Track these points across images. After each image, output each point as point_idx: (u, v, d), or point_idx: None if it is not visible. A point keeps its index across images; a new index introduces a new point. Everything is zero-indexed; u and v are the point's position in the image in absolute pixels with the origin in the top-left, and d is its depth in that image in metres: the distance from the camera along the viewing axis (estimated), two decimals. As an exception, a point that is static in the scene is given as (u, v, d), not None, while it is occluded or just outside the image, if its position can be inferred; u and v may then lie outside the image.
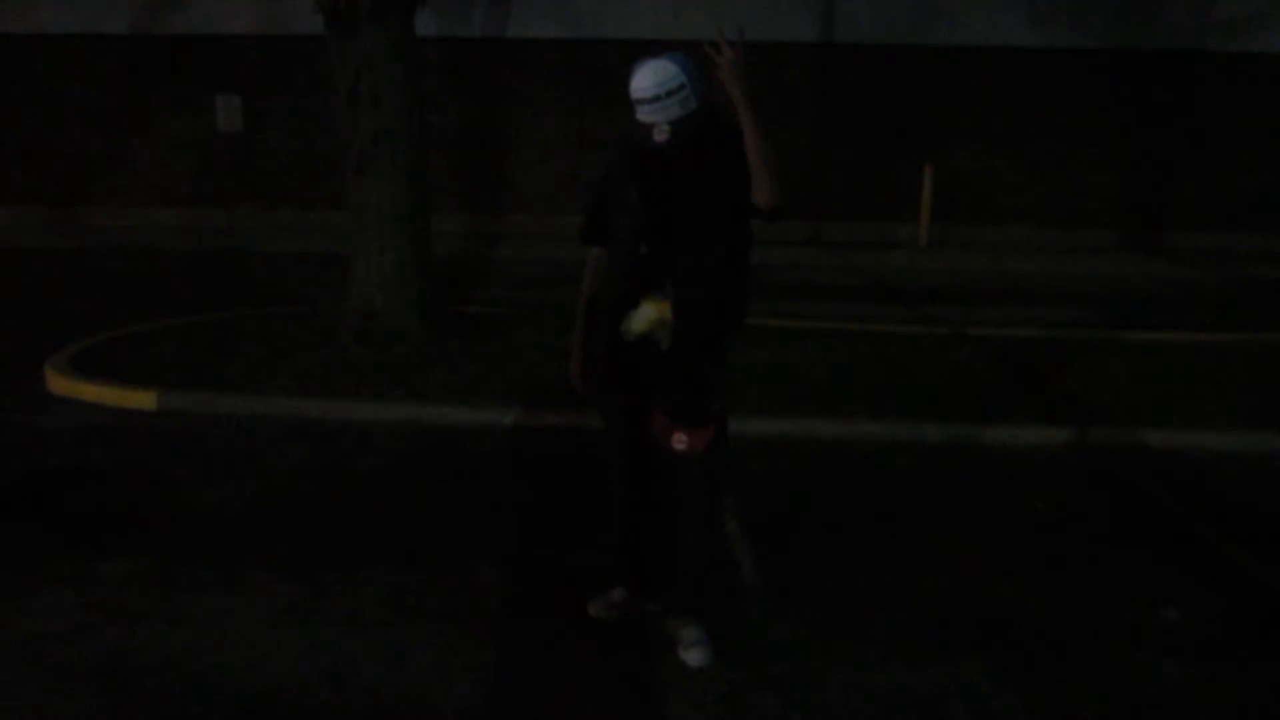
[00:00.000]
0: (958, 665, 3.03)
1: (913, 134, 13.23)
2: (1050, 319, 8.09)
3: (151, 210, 13.59)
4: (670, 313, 2.85)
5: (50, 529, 3.91)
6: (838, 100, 13.27)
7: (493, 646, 3.09)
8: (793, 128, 13.22)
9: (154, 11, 13.12)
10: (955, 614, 3.36)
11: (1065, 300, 9.24)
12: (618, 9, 12.78)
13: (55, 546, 3.72)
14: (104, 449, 4.84)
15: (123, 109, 13.41)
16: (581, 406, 4.01)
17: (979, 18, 12.83)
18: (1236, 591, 3.61)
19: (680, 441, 2.91)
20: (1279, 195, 13.16)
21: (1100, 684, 2.97)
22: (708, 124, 2.81)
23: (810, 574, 3.64)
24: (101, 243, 11.74)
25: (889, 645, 3.14)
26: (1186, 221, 13.29)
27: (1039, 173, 13.30)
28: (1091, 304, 9.07)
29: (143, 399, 5.47)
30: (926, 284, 10.05)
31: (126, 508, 4.13)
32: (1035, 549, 3.93)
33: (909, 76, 13.17)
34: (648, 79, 2.74)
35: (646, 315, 2.86)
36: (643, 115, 2.78)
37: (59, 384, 5.72)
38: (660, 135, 2.77)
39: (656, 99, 2.74)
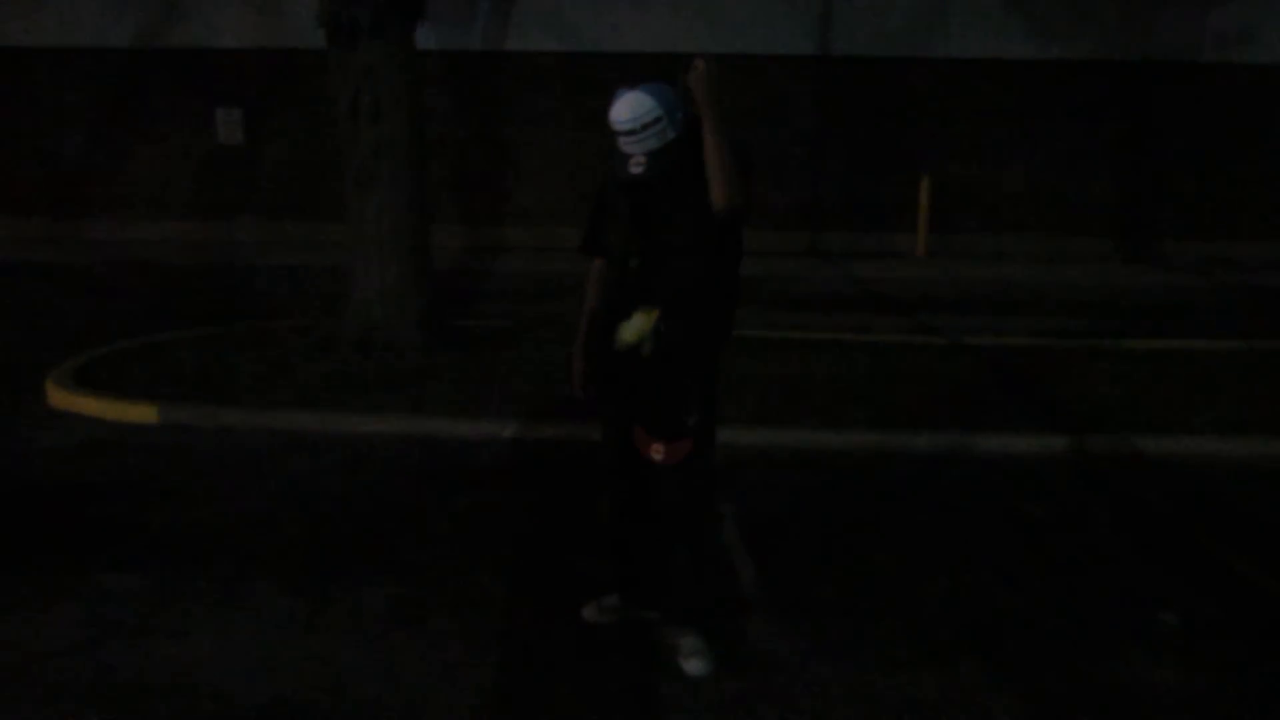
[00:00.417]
0: (958, 673, 3.04)
1: (910, 145, 13.30)
2: (1047, 327, 8.13)
3: (152, 223, 13.64)
4: (656, 319, 2.89)
5: (51, 543, 3.91)
6: (835, 112, 13.34)
7: (494, 657, 3.10)
8: (790, 139, 13.30)
9: (156, 25, 13.19)
10: (954, 621, 3.38)
11: (1062, 309, 9.28)
12: (615, 23, 12.87)
13: (56, 560, 3.72)
14: (105, 463, 4.85)
15: (124, 122, 13.48)
16: (580, 419, 4.03)
17: (975, 30, 12.92)
18: (1234, 597, 3.62)
19: (657, 452, 2.95)
20: (1273, 203, 13.22)
21: (1099, 690, 2.98)
22: (689, 148, 2.81)
23: (809, 582, 3.65)
24: (102, 255, 11.78)
25: (889, 653, 3.15)
26: (1182, 230, 13.35)
27: (1035, 182, 13.37)
28: (1088, 312, 9.11)
29: (144, 412, 5.48)
30: (924, 293, 10.09)
31: (128, 521, 4.14)
32: (1033, 556, 3.94)
33: (906, 88, 13.24)
34: (624, 112, 2.77)
35: (637, 325, 2.89)
36: (621, 146, 2.82)
37: (60, 398, 5.73)
38: (636, 168, 2.80)
39: (632, 132, 2.77)
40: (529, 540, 4.04)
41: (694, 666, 3.00)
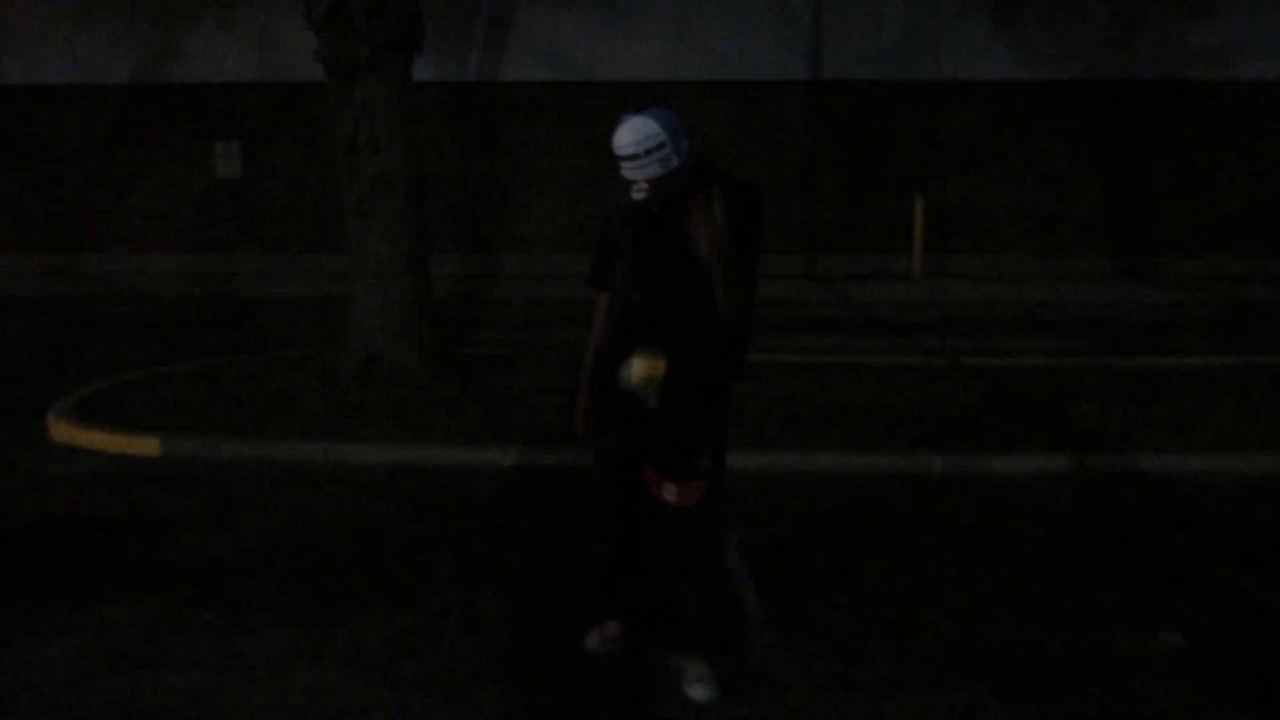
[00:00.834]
0: (962, 694, 3.04)
1: (903, 167, 13.40)
2: (1045, 347, 8.16)
3: (151, 256, 13.70)
4: (661, 368, 2.83)
5: (54, 575, 3.91)
6: (828, 135, 13.44)
7: (498, 687, 3.10)
8: (784, 163, 13.39)
9: (154, 61, 13.31)
10: (958, 643, 3.37)
11: (1059, 328, 9.32)
12: (610, 52, 12.99)
13: (59, 593, 3.72)
14: (107, 495, 4.86)
15: (123, 156, 13.58)
16: (581, 447, 4.04)
17: (965, 52, 13.06)
18: (1238, 615, 3.62)
19: (670, 493, 2.92)
20: (1264, 219, 13.31)
21: (1104, 710, 2.98)
22: (695, 177, 2.79)
23: (813, 606, 3.65)
24: (102, 289, 11.82)
25: (894, 676, 3.15)
26: (1175, 247, 13.44)
27: (1029, 202, 13.46)
28: (1085, 331, 9.15)
29: (146, 445, 5.49)
30: (921, 315, 10.13)
31: (130, 554, 4.14)
32: (1035, 576, 3.94)
33: (898, 111, 13.36)
34: (627, 136, 2.71)
35: (639, 370, 2.83)
36: (624, 172, 2.76)
37: (62, 431, 5.74)
38: (638, 194, 2.76)
39: (635, 157, 2.71)
40: (531, 569, 4.04)
41: (699, 692, 3.00)
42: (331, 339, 7.39)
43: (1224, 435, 5.55)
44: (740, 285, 2.84)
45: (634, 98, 2.84)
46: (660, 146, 2.70)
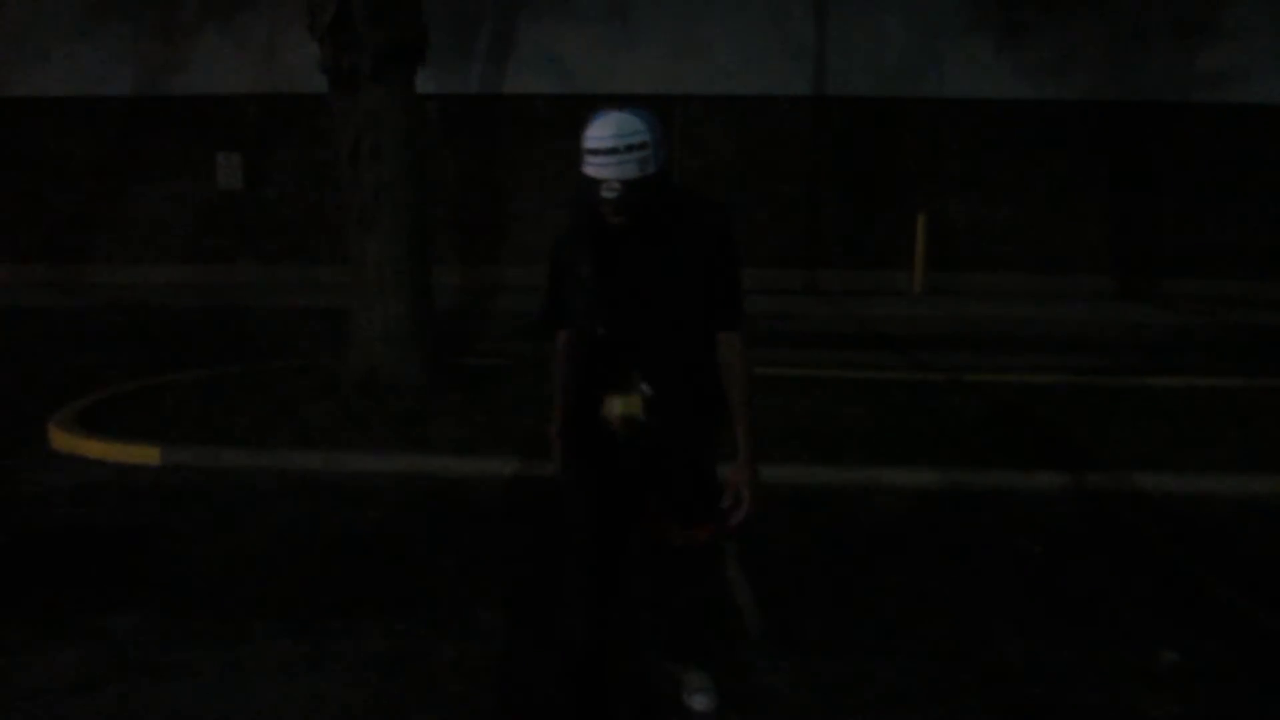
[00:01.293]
0: (961, 710, 3.03)
1: (905, 183, 13.44)
2: (1045, 365, 8.15)
3: (153, 267, 13.72)
4: (639, 407, 2.56)
5: (54, 584, 3.91)
6: (831, 152, 13.49)
7: (496, 695, 3.09)
8: (786, 179, 13.44)
9: (156, 72, 13.37)
10: (957, 658, 3.37)
11: (1060, 346, 9.32)
12: (611, 64, 13.05)
13: (59, 601, 3.72)
14: (108, 505, 4.86)
15: (124, 168, 13.61)
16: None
17: (967, 71, 13.11)
18: (1237, 634, 3.62)
19: (684, 538, 2.78)
20: (1266, 241, 13.34)
21: (1105, 726, 2.97)
22: (664, 194, 2.54)
23: (812, 619, 3.65)
24: (103, 300, 11.83)
25: (892, 690, 3.14)
26: (1176, 267, 13.45)
27: (1030, 221, 13.49)
28: (1085, 350, 9.15)
29: (146, 454, 5.49)
30: (922, 331, 10.14)
31: (130, 562, 4.14)
32: (1035, 593, 3.94)
33: (900, 127, 13.41)
34: (608, 129, 2.45)
35: (620, 408, 2.57)
36: (594, 168, 2.46)
37: (63, 440, 5.74)
38: (609, 192, 2.45)
39: (614, 151, 2.44)
40: (530, 578, 4.04)
41: (699, 702, 2.99)
42: (332, 349, 7.40)
43: (1224, 455, 5.54)
44: (734, 309, 2.64)
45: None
46: (642, 145, 2.45)
